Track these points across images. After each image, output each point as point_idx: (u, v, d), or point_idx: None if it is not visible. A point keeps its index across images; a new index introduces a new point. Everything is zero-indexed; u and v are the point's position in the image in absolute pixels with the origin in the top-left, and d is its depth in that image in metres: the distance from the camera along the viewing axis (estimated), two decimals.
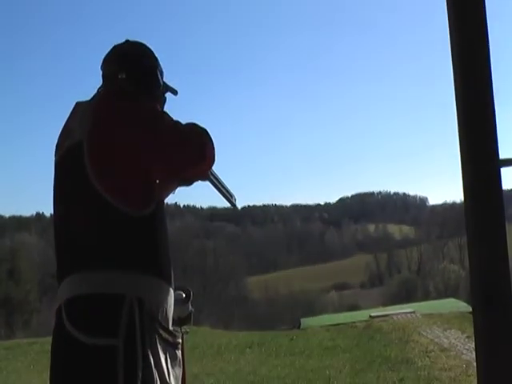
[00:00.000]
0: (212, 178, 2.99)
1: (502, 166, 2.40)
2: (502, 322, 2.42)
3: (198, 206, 67.45)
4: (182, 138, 2.73)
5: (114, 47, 2.97)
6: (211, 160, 2.86)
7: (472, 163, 2.41)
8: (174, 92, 3.13)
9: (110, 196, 2.56)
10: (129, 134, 2.62)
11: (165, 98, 3.08)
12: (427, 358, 10.71)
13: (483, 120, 2.41)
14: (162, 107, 3.04)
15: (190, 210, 64.84)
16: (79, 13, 76.55)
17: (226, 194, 3.16)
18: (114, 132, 2.62)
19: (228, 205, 3.24)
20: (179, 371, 2.80)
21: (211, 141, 2.80)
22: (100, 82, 2.94)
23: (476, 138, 2.40)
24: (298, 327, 18.35)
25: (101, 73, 2.95)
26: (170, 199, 2.94)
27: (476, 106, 2.42)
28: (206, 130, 2.79)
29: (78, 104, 2.88)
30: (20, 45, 70.69)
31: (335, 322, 16.58)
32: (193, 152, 2.75)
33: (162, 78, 3.03)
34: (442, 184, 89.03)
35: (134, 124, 2.66)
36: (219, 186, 3.07)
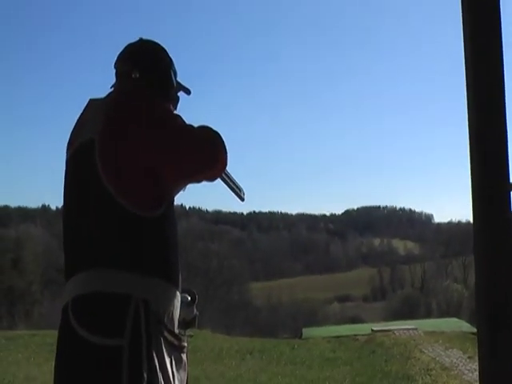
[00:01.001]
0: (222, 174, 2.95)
1: (511, 190, 2.41)
2: (506, 343, 2.43)
3: (203, 208, 67.61)
4: (196, 142, 2.70)
5: (128, 46, 2.94)
6: (224, 164, 2.82)
7: (482, 186, 2.41)
8: (188, 91, 3.10)
9: (120, 196, 2.53)
10: (142, 134, 2.59)
11: (178, 98, 3.04)
12: (428, 376, 10.66)
13: (495, 144, 2.40)
14: (176, 107, 3.01)
15: (196, 212, 64.95)
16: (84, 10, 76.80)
17: (235, 188, 3.11)
18: (127, 132, 2.59)
19: (236, 199, 3.17)
20: (184, 375, 2.77)
21: (224, 145, 2.77)
22: (113, 79, 2.91)
23: (487, 161, 2.40)
24: (300, 337, 18.29)
25: (114, 71, 2.92)
26: (176, 200, 2.89)
27: (488, 129, 2.42)
28: (219, 134, 2.76)
29: (91, 101, 2.86)
30: (20, 35, 71.01)
31: (337, 334, 16.53)
32: (206, 156, 2.72)
33: (176, 78, 3.00)
34: (448, 202, 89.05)
35: (148, 125, 2.62)
36: (227, 179, 3.03)
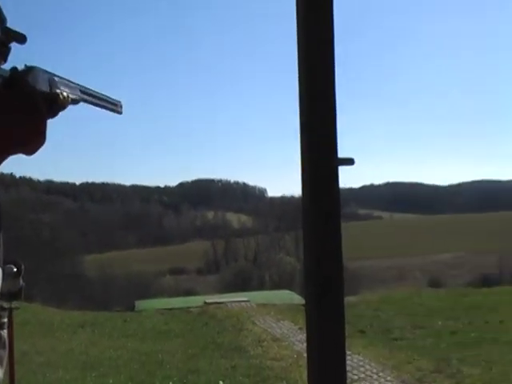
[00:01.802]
0: (85, 96, 2.79)
1: (339, 165, 2.46)
2: (333, 313, 2.49)
3: (34, 177, 65.86)
4: (13, 110, 2.43)
5: None
6: (44, 136, 2.53)
7: (312, 161, 2.45)
8: (21, 39, 2.70)
9: None
10: None
11: (9, 48, 2.69)
12: (260, 347, 10.86)
13: (324, 120, 2.45)
14: (6, 58, 2.67)
15: (26, 181, 63.20)
16: None
17: (108, 106, 2.97)
18: None
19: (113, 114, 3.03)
20: (4, 352, 2.62)
21: (45, 115, 2.53)
22: None
23: (316, 137, 2.44)
24: (133, 309, 18.17)
25: None
26: (4, 169, 2.73)
27: (318, 106, 2.46)
28: (39, 102, 2.50)
29: None
30: None
31: (170, 307, 16.52)
32: (25, 127, 2.46)
33: (4, 25, 2.64)
34: (282, 177, 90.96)
35: None
36: (96, 101, 2.88)
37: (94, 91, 2.81)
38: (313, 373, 2.57)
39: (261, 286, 41.08)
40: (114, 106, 2.97)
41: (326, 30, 2.47)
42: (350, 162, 2.50)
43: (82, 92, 2.76)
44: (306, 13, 2.48)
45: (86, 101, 2.79)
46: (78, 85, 2.74)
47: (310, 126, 2.44)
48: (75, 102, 2.73)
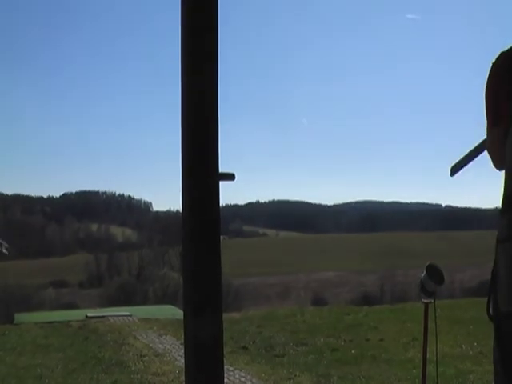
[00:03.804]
0: None
1: (220, 180, 2.45)
2: (211, 329, 2.48)
3: None
4: None
5: None
6: None
7: (193, 175, 2.43)
8: None
9: None
10: None
11: None
12: (141, 362, 10.70)
13: (206, 135, 2.44)
14: None
15: None
16: None
17: None
18: None
19: None
20: None
21: None
22: None
23: (198, 151, 2.43)
24: (12, 322, 17.70)
25: None
26: None
27: (199, 121, 2.45)
28: None
29: None
30: None
31: (51, 320, 16.12)
32: None
33: None
34: (168, 191, 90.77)
35: None
36: None
37: None
38: None
39: (144, 301, 40.70)
40: None
41: (210, 43, 2.47)
42: (230, 177, 2.49)
43: None
44: (190, 29, 2.47)
45: None
46: None
47: (191, 140, 2.43)
48: None
